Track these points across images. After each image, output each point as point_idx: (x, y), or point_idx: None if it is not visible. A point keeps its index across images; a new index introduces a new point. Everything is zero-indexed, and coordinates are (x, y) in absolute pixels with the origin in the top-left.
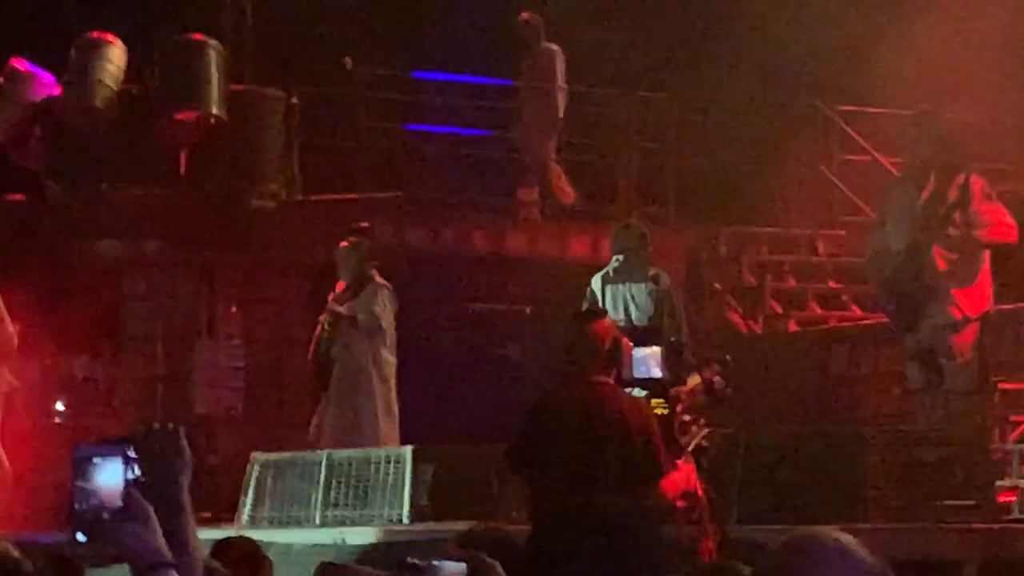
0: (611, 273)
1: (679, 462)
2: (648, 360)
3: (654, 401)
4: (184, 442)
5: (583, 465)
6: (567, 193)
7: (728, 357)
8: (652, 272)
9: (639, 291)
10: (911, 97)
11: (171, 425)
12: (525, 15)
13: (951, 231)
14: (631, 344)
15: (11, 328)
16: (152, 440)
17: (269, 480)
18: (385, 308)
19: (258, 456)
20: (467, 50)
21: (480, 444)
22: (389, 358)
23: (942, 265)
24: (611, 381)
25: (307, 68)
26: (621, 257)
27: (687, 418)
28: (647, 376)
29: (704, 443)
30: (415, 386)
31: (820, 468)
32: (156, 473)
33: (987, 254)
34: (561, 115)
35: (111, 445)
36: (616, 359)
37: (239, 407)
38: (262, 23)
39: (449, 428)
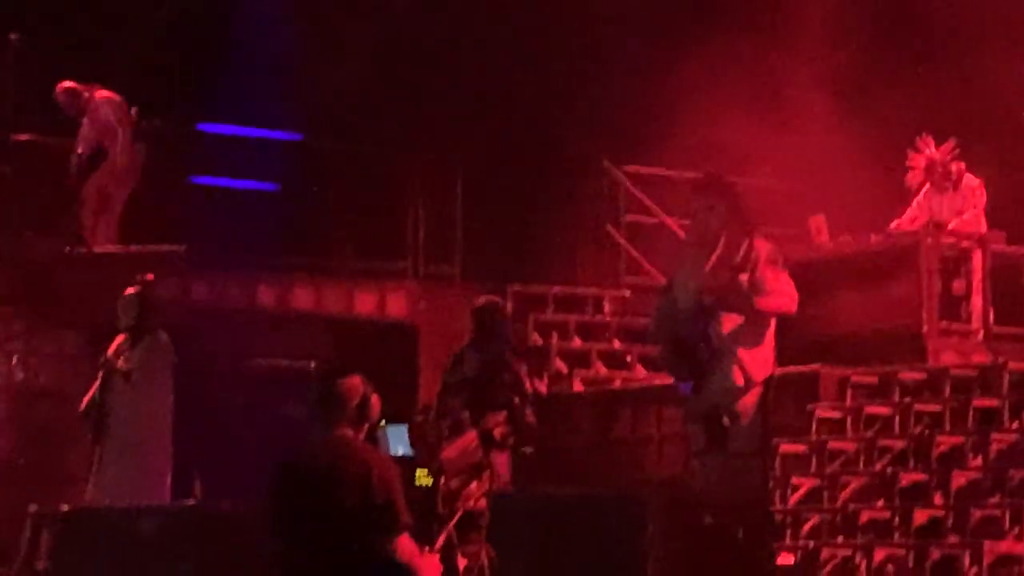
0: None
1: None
2: (395, 439)
3: (418, 471)
4: None
5: (318, 518)
6: None
7: (516, 400)
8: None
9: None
10: (699, 159)
11: None
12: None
13: (737, 295)
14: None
15: None
16: None
17: (45, 534)
18: (162, 361)
19: (37, 512)
20: (252, 103)
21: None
22: (164, 412)
23: (727, 328)
24: (355, 435)
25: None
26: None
27: (455, 484)
28: (399, 453)
29: (481, 505)
30: (194, 442)
31: (601, 530)
32: None
33: (773, 318)
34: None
35: None
36: (366, 416)
37: (16, 459)
38: (51, 72)
39: (227, 485)
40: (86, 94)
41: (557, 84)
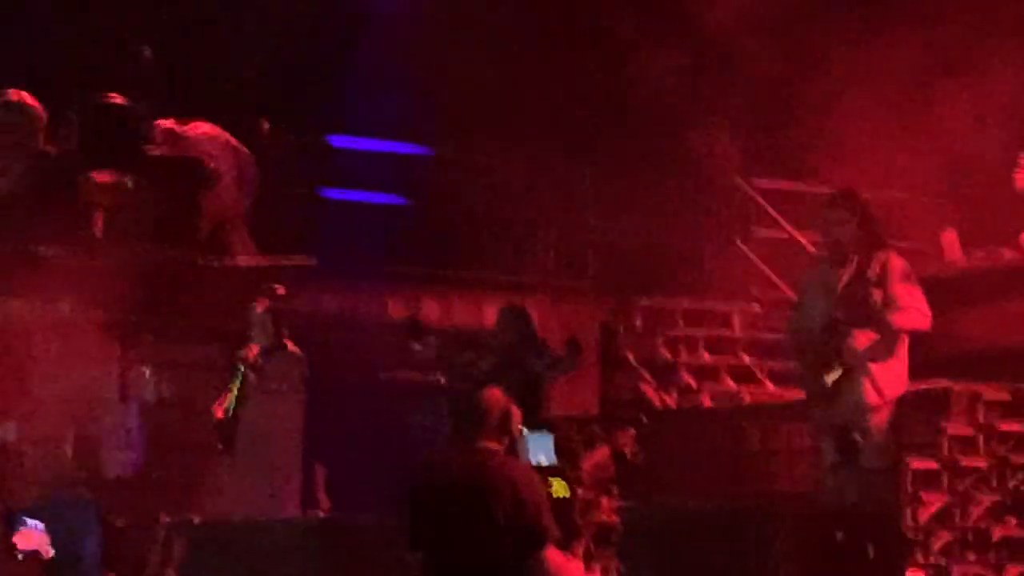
0: None
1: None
2: (537, 448)
3: (553, 481)
4: (94, 518)
5: (465, 532)
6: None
7: (643, 418)
8: None
9: None
10: (830, 174)
11: (83, 498)
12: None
13: (870, 312)
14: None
15: None
16: (62, 512)
17: (176, 545)
18: (294, 374)
19: (168, 523)
20: (382, 116)
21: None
22: (295, 425)
23: (860, 345)
24: (498, 448)
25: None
26: None
27: (591, 496)
28: (536, 464)
29: (613, 519)
30: (323, 454)
31: (732, 545)
32: (65, 547)
33: (906, 335)
34: None
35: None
36: (507, 428)
37: (148, 471)
38: (181, 85)
39: (358, 497)
40: (184, 132)
41: (690, 99)
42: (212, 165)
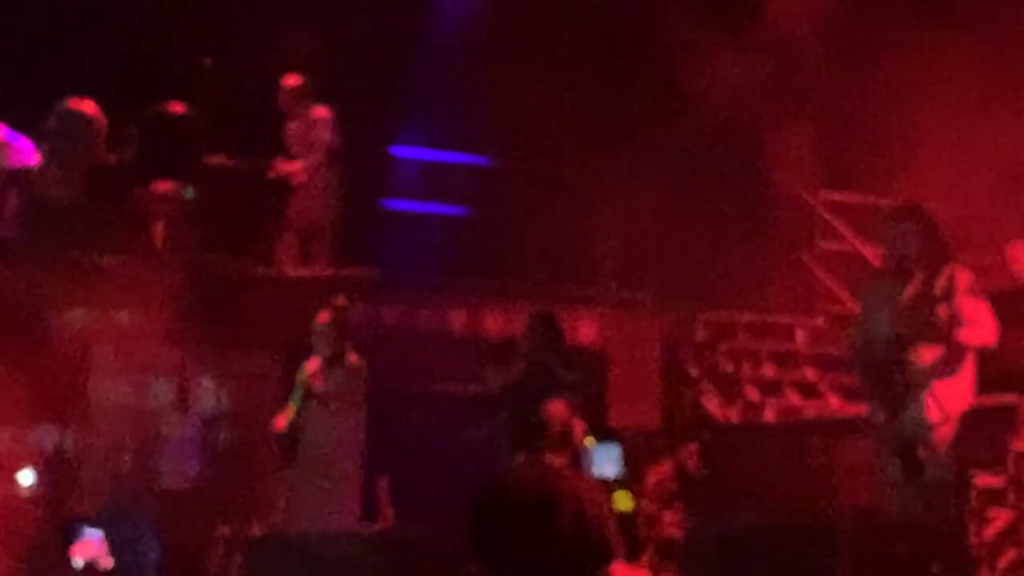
0: None
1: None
2: (603, 460)
3: (618, 494)
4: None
5: (531, 546)
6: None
7: (706, 436)
8: None
9: None
10: (895, 186)
11: (141, 508)
12: (291, 80)
13: (935, 326)
14: (585, 428)
15: None
16: (120, 523)
17: (235, 558)
18: (356, 386)
19: (226, 533)
20: (443, 127)
21: (449, 527)
22: (357, 437)
23: (926, 360)
24: (562, 462)
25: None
26: None
27: (654, 509)
28: (605, 474)
29: (675, 534)
30: (384, 466)
31: (794, 560)
32: (123, 557)
33: (971, 350)
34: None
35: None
36: (568, 442)
37: (206, 482)
38: (241, 94)
39: (418, 509)
40: (308, 102)
41: (753, 111)
42: (323, 146)
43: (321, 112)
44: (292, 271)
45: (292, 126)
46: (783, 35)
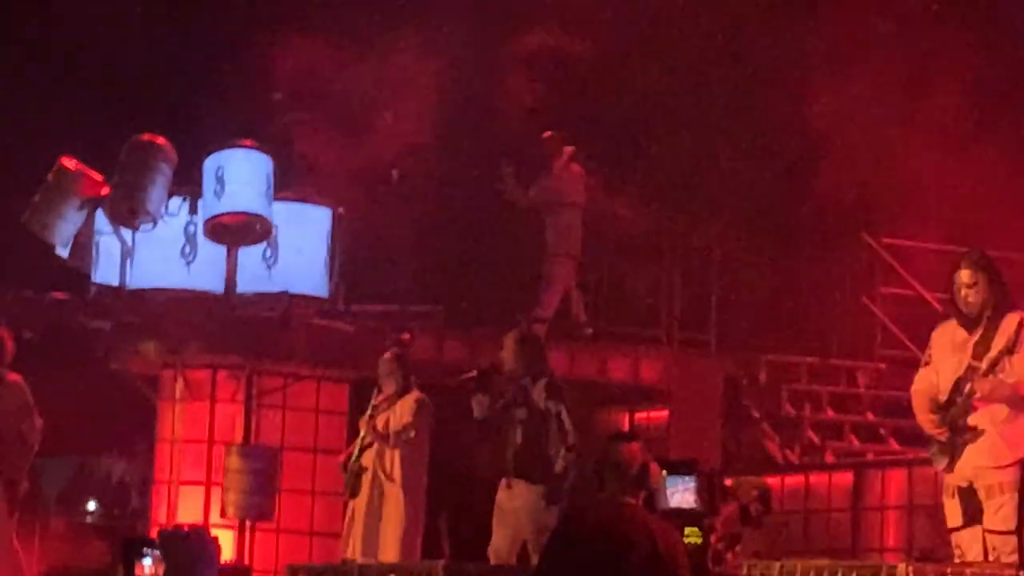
0: None
1: None
2: (681, 490)
3: (688, 529)
4: (211, 546)
5: None
6: (580, 315)
7: (765, 483)
8: None
9: None
10: (958, 233)
11: (198, 529)
12: (548, 132)
13: (999, 374)
14: (661, 470)
15: (38, 422)
16: (179, 543)
17: None
18: (420, 422)
19: (292, 567)
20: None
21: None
22: (420, 472)
23: (989, 406)
24: (638, 503)
25: (353, 179)
26: None
27: (720, 546)
28: (679, 506)
29: (738, 574)
30: (447, 501)
31: None
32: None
33: None
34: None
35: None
36: (644, 483)
37: (272, 514)
38: (308, 131)
39: (482, 546)
40: (565, 157)
41: (816, 157)
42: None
43: (579, 168)
44: (359, 307)
45: (546, 175)
46: (840, 86)
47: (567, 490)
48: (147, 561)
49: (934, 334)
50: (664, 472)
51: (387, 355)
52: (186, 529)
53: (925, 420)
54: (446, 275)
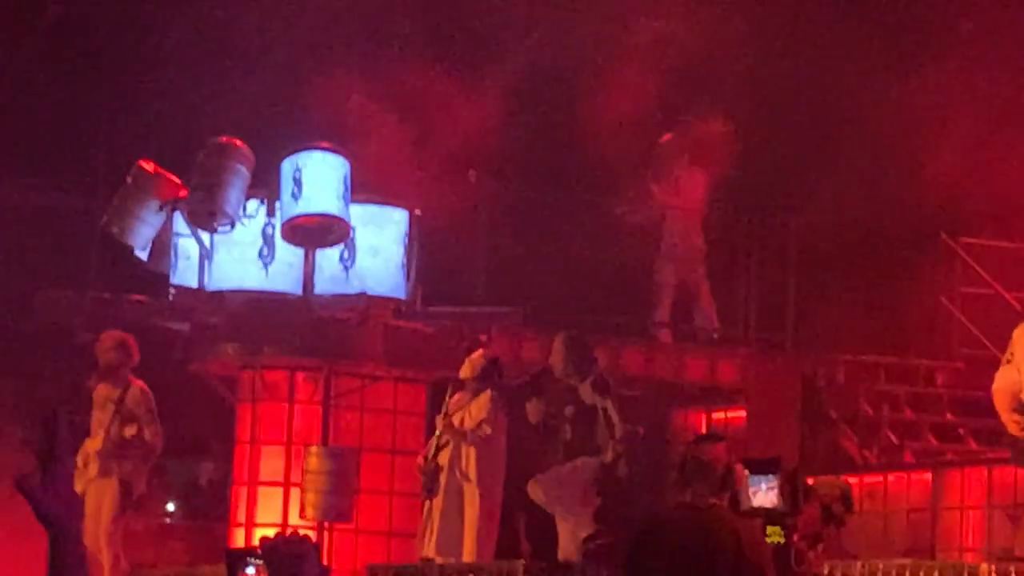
0: None
1: None
2: (764, 489)
3: (770, 528)
4: (312, 550)
5: None
6: (711, 319)
7: (846, 483)
8: None
9: None
10: None
11: (300, 536)
12: (668, 136)
13: None
14: (745, 471)
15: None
16: (280, 550)
17: None
18: (496, 419)
19: (372, 567)
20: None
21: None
22: (497, 470)
23: None
24: (723, 504)
25: (429, 180)
26: None
27: (803, 546)
28: (762, 505)
29: (823, 572)
30: (524, 500)
31: None
32: None
33: None
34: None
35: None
36: (729, 484)
37: (351, 515)
38: (385, 135)
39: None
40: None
41: (894, 155)
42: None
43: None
44: (436, 308)
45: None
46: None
47: (615, 479)
48: (250, 571)
49: (1016, 332)
50: (747, 472)
51: (470, 356)
52: (286, 536)
53: (1008, 419)
54: (523, 276)
